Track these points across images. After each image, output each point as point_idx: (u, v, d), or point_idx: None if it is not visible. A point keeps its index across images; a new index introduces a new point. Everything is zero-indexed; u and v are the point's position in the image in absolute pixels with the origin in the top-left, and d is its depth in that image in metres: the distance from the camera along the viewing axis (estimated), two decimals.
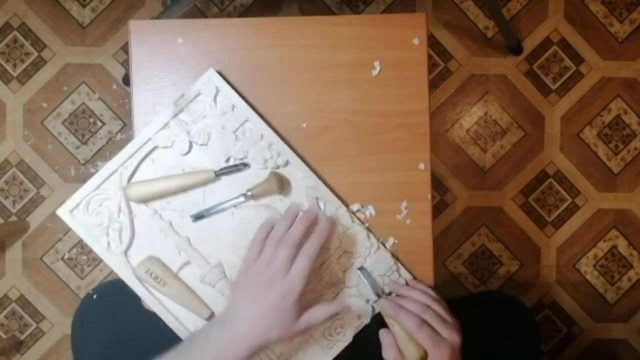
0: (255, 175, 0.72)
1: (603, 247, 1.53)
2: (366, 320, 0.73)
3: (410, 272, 0.75)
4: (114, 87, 1.49)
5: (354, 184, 0.74)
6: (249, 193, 0.71)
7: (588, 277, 1.53)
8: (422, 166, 0.75)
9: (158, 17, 1.30)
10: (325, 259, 0.73)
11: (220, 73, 0.72)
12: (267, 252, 0.65)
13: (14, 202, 1.49)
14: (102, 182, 0.71)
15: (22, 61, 1.48)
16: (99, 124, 1.49)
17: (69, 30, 1.49)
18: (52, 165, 1.49)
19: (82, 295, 1.49)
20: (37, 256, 1.49)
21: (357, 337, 0.73)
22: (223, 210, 0.72)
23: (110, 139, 1.49)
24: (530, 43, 1.50)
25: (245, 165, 0.72)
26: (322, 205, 0.73)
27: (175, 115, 0.71)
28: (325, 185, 0.73)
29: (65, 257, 1.49)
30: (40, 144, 1.49)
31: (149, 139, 0.71)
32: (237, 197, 0.72)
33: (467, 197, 1.51)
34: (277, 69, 0.74)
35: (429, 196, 0.75)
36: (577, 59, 1.51)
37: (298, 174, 0.73)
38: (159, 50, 0.74)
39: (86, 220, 0.71)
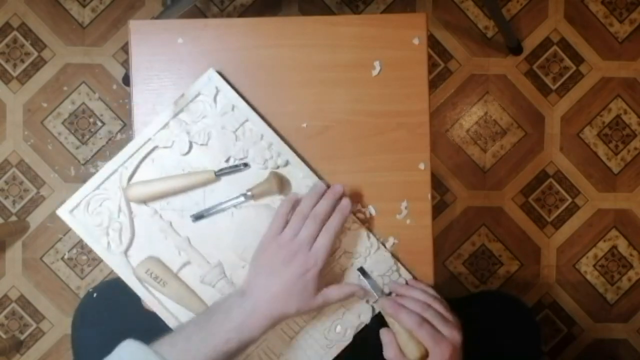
0: (255, 175, 0.72)
1: (603, 247, 1.53)
2: (366, 320, 0.73)
3: (410, 272, 0.75)
4: (114, 87, 1.49)
5: (354, 184, 0.74)
6: (249, 193, 0.71)
7: (588, 277, 1.53)
8: (422, 166, 0.75)
9: (158, 17, 1.30)
10: None
11: (220, 73, 0.72)
12: (293, 226, 0.67)
13: (14, 202, 1.49)
14: (102, 182, 0.71)
15: (22, 61, 1.48)
16: (99, 124, 1.49)
17: (69, 30, 1.49)
18: (52, 165, 1.49)
19: (82, 295, 1.49)
20: (37, 256, 1.49)
21: (357, 337, 0.73)
22: (223, 210, 0.72)
23: (110, 139, 1.49)
24: (530, 43, 1.50)
25: (245, 165, 0.72)
26: None
27: (175, 115, 0.71)
28: (325, 185, 0.73)
29: (65, 257, 1.49)
30: (40, 144, 1.49)
31: (149, 139, 0.71)
32: (237, 197, 0.72)
33: (467, 197, 1.51)
34: (277, 69, 0.74)
35: (429, 196, 0.75)
36: (577, 59, 1.51)
37: (298, 174, 0.73)
38: (159, 50, 0.74)
39: (86, 220, 0.71)
